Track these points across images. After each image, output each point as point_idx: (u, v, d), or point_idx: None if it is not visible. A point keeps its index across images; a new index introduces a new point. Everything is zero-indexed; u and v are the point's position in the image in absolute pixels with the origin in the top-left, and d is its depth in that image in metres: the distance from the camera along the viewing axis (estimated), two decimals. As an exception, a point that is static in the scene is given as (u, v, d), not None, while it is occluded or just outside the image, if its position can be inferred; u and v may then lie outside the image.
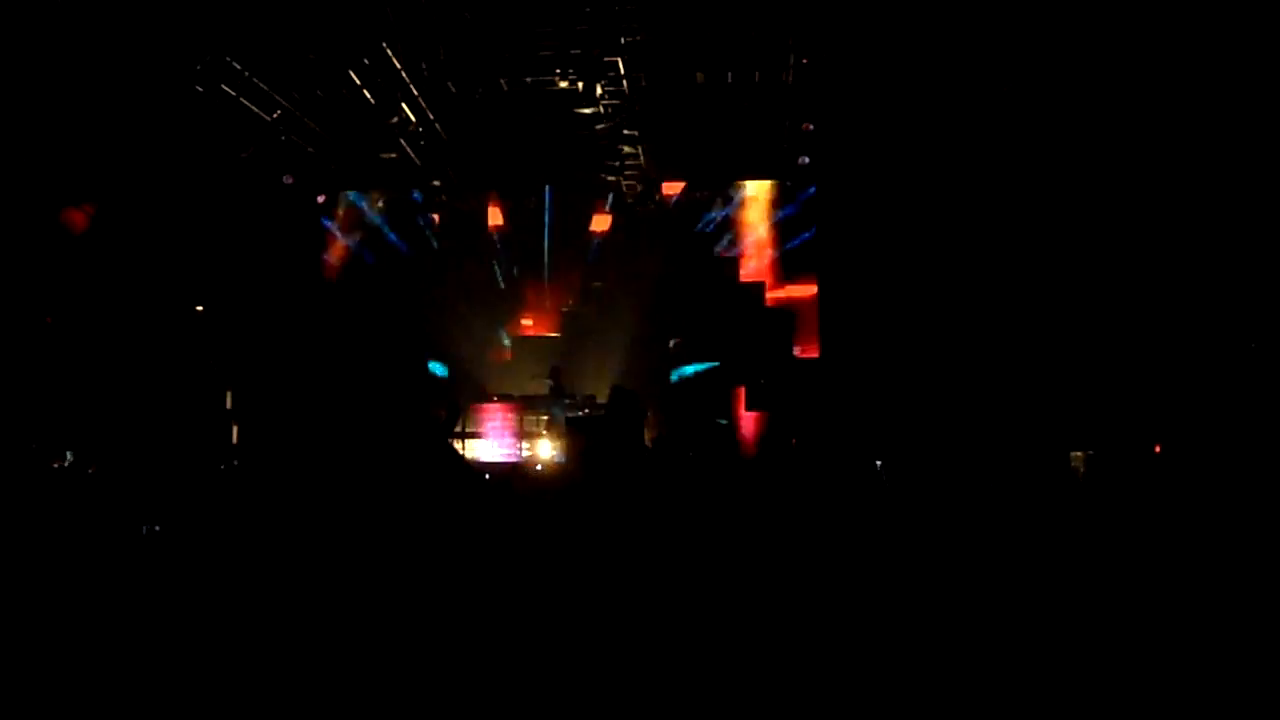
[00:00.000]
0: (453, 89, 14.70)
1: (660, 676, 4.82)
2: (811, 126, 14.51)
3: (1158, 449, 12.32)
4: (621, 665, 4.93)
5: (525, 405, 15.57)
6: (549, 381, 15.68)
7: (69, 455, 12.61)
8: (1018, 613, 5.80)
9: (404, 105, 14.29)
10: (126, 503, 9.33)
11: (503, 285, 17.92)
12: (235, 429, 15.24)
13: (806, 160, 15.46)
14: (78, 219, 14.10)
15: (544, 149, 16.24)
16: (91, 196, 14.13)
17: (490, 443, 15.30)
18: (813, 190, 16.47)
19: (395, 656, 5.02)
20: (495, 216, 17.92)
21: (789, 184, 16.51)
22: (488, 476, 13.25)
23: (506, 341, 17.75)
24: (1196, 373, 12.33)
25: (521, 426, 15.35)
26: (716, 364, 16.59)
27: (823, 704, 4.60)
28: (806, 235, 16.71)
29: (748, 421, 16.09)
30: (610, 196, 17.28)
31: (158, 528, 8.39)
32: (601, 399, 14.52)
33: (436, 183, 16.63)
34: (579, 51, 13.04)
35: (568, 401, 15.31)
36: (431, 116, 14.92)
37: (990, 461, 12.25)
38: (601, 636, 5.33)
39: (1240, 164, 11.93)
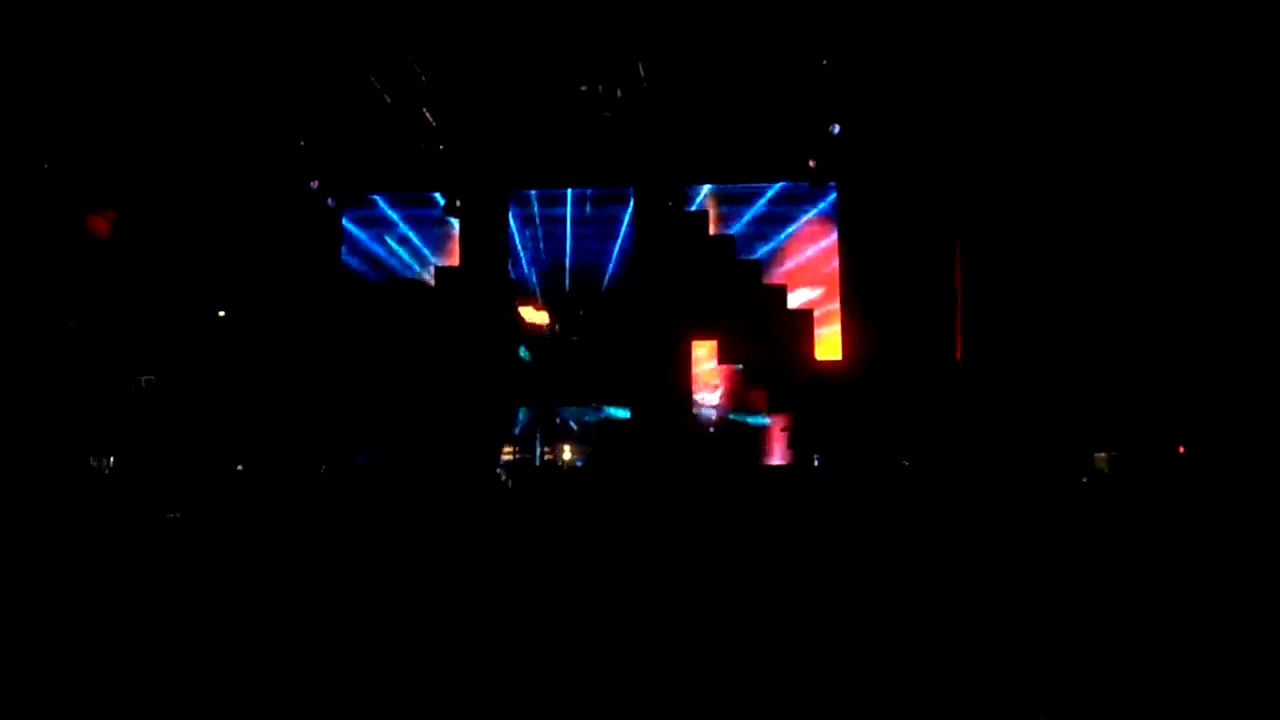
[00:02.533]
0: (474, 92, 14.73)
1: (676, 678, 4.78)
2: (839, 127, 14.41)
3: (1181, 449, 12.24)
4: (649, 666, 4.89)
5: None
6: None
7: (92, 459, 12.66)
8: (1039, 613, 5.73)
9: (424, 109, 14.28)
10: (148, 502, 9.35)
11: (524, 286, 17.86)
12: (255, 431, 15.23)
13: (814, 164, 15.37)
14: (100, 225, 14.16)
15: (565, 151, 16.23)
16: (113, 202, 14.18)
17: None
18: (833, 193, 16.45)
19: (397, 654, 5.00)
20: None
21: (808, 186, 16.41)
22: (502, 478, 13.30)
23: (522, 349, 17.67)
24: (1219, 373, 12.23)
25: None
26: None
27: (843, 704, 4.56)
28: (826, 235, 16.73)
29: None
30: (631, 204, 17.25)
31: (177, 516, 8.41)
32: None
33: (457, 186, 16.56)
34: (600, 54, 13.01)
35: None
36: (453, 120, 14.92)
37: (1015, 462, 12.17)
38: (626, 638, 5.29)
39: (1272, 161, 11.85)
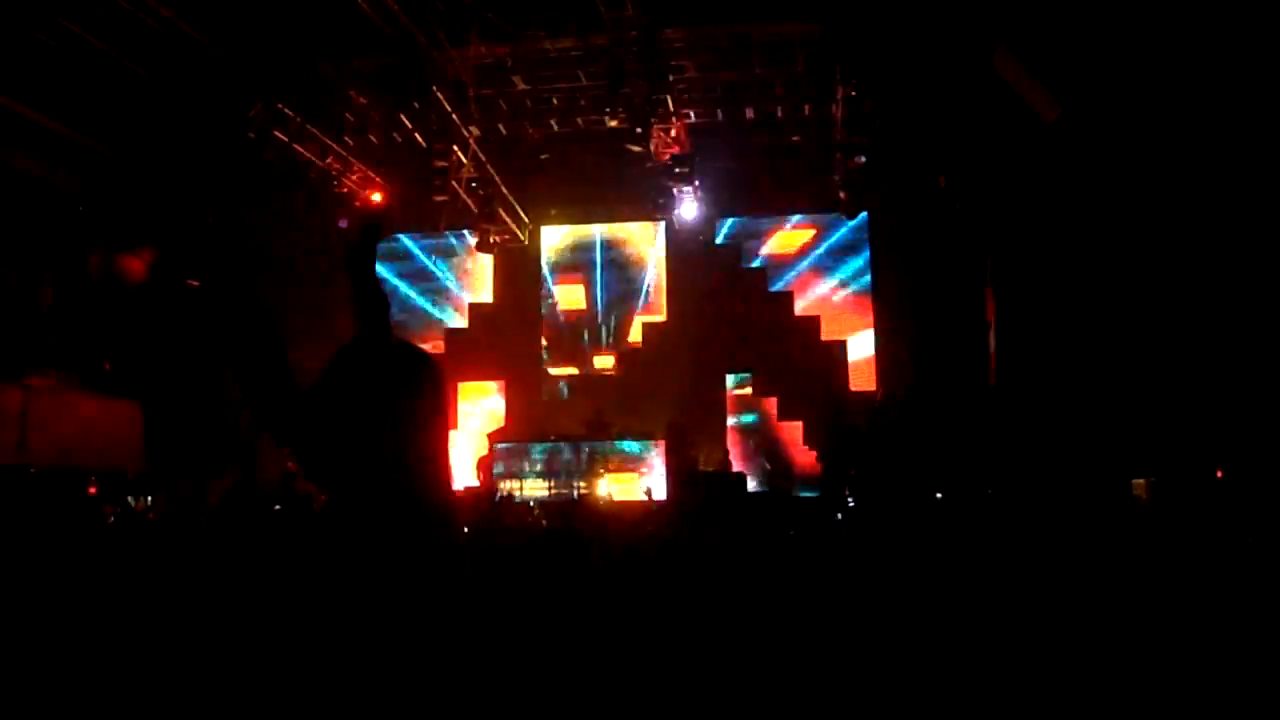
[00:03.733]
0: (504, 130, 14.83)
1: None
2: (863, 159, 14.37)
3: (1220, 474, 12.10)
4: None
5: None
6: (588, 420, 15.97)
7: (128, 499, 12.70)
8: (1076, 654, 5.66)
9: (455, 148, 14.33)
10: (178, 544, 9.34)
11: (560, 320, 17.91)
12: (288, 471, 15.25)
13: (844, 196, 15.36)
14: (136, 266, 14.24)
15: (596, 188, 16.29)
16: (148, 243, 14.26)
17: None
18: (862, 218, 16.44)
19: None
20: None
21: (839, 216, 16.40)
22: (535, 511, 13.25)
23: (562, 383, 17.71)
24: (1258, 397, 12.10)
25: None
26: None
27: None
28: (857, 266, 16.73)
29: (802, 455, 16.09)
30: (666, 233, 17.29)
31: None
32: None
33: (488, 225, 16.62)
34: (628, 90, 13.04)
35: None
36: (483, 158, 14.99)
37: (1052, 490, 12.07)
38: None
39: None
